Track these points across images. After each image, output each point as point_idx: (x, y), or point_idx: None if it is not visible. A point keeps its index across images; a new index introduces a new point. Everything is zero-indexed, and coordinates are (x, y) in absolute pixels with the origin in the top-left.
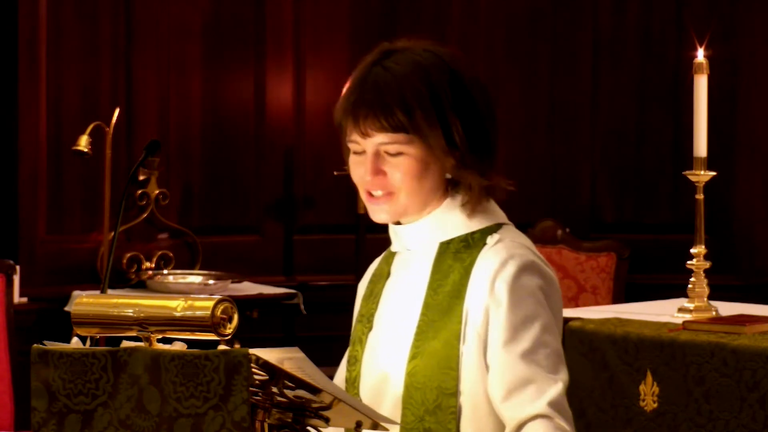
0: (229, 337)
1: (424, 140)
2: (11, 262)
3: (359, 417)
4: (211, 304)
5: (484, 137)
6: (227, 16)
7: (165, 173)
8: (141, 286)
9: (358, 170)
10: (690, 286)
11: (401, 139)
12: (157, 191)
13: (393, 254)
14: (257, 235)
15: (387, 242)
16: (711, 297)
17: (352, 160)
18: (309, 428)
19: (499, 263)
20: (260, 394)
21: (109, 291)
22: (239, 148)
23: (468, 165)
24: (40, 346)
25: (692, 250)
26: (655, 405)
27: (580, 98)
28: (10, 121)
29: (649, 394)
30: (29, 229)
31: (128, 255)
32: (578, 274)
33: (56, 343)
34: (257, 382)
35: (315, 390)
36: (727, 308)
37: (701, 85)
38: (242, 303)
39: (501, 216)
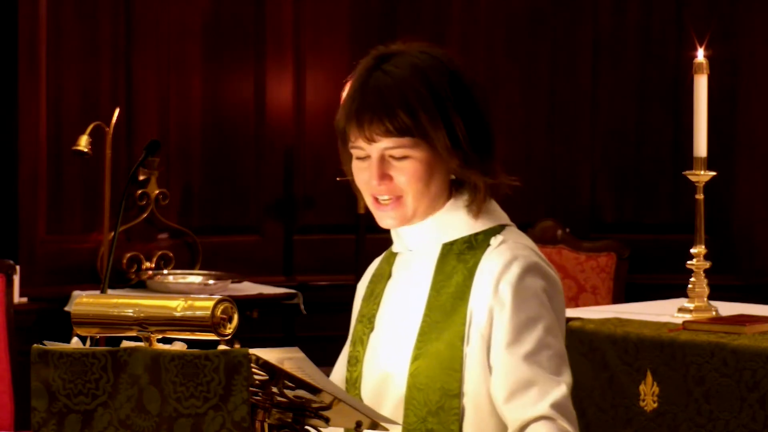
0: (229, 337)
1: (429, 142)
2: (11, 262)
3: (359, 417)
4: (211, 304)
5: (485, 135)
6: (227, 16)
7: (165, 173)
8: (141, 286)
9: (363, 176)
10: (690, 286)
11: (406, 143)
12: (157, 191)
13: (394, 255)
14: (257, 235)
15: (387, 242)
16: (711, 297)
17: (356, 166)
18: (309, 428)
19: (503, 265)
20: (260, 394)
21: (109, 291)
22: (239, 148)
23: (472, 164)
24: (40, 346)
25: (692, 250)
26: (655, 405)
27: (580, 98)
28: (10, 121)
29: (649, 394)
30: (29, 229)
31: (128, 255)
32: (578, 274)
33: (56, 343)
34: (257, 382)
35: (315, 390)
36: (727, 308)
37: (701, 85)
38: (242, 303)
39: (504, 217)
